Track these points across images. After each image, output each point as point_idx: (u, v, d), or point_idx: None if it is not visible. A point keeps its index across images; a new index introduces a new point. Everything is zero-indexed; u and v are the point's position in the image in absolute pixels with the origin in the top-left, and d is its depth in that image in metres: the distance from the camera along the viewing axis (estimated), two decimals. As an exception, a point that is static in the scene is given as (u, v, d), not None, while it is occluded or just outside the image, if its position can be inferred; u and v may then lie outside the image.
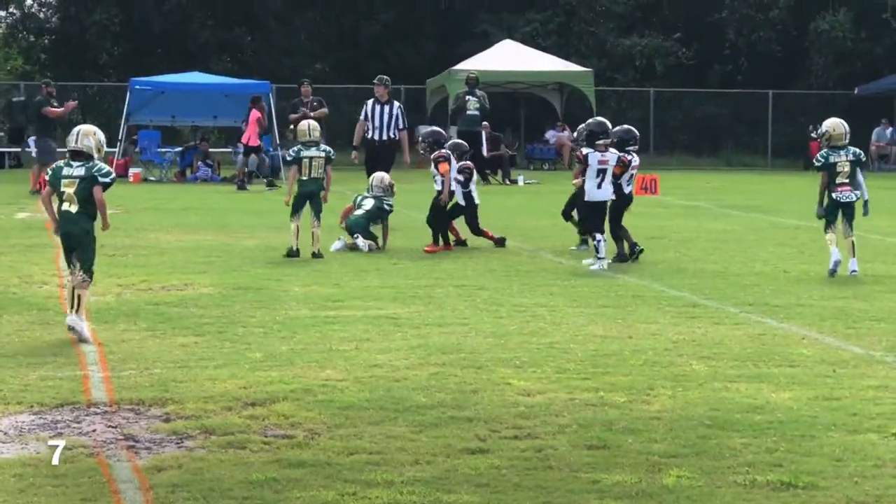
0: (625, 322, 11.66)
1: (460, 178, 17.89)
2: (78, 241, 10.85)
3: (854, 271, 14.80)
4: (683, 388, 8.92)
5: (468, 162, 18.31)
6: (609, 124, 16.41)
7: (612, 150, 16.04)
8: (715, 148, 47.43)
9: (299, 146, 16.88)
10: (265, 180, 31.76)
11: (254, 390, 8.71)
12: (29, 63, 51.92)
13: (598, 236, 15.66)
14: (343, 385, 8.91)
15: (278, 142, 34.11)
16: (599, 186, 15.90)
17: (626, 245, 16.32)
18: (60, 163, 11.03)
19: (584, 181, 15.89)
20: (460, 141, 19.50)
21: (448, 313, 12.05)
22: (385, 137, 20.65)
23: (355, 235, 17.29)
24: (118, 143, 34.22)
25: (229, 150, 38.72)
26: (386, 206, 17.82)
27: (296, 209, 16.57)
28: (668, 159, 44.30)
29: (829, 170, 15.02)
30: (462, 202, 17.86)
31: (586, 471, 6.91)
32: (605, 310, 12.34)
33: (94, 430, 7.74)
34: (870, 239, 18.43)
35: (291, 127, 26.38)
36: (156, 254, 16.58)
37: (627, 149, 16.38)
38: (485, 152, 33.37)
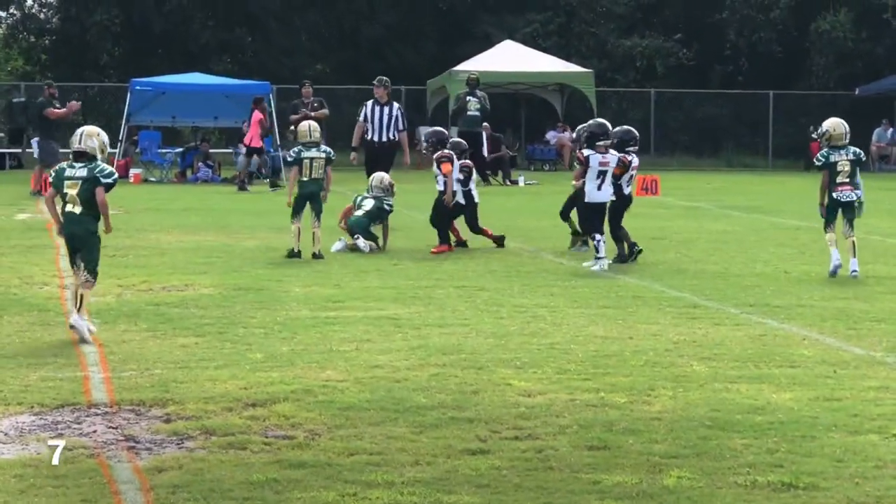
0: (625, 323, 11.66)
1: (460, 176, 17.89)
2: (82, 243, 10.86)
3: (855, 272, 14.80)
4: (684, 388, 8.92)
5: (467, 160, 18.30)
6: (609, 125, 16.42)
7: (612, 151, 16.05)
8: (716, 149, 47.43)
9: (300, 147, 16.87)
10: (267, 181, 31.78)
11: (254, 391, 8.71)
12: (29, 64, 51.94)
13: (598, 237, 15.67)
14: (343, 386, 8.91)
15: (279, 143, 34.11)
16: (599, 188, 15.91)
17: (625, 246, 16.33)
18: (63, 164, 11.05)
19: (584, 182, 15.89)
20: (459, 139, 19.51)
21: (449, 314, 12.05)
22: (384, 139, 20.63)
23: (356, 236, 17.29)
24: (119, 144, 34.23)
25: (230, 150, 38.75)
26: (386, 206, 17.81)
27: (296, 210, 16.57)
28: (668, 160, 44.30)
29: (830, 169, 15.05)
30: (462, 201, 17.86)
31: (587, 471, 6.91)
32: (606, 310, 12.34)
33: (95, 431, 7.74)
34: (870, 240, 18.42)
35: (292, 128, 26.39)
36: (156, 254, 16.58)
37: (627, 149, 16.38)
38: (485, 153, 33.38)
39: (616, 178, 16.14)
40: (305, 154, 16.69)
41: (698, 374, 9.42)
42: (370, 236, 17.39)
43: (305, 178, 16.63)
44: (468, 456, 7.20)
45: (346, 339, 10.68)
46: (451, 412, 8.18)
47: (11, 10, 51.39)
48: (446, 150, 17.82)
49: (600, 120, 16.90)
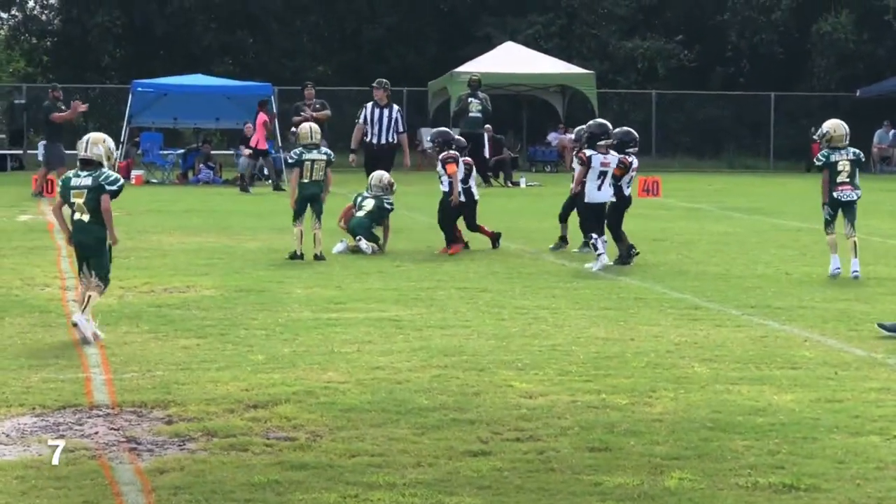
0: (627, 324, 11.66)
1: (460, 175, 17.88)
2: (91, 251, 10.90)
3: (856, 272, 14.82)
4: (685, 390, 8.92)
5: (467, 158, 18.29)
6: (609, 126, 16.45)
7: (612, 151, 16.07)
8: (717, 150, 47.44)
9: (301, 149, 16.87)
10: (269, 183, 31.78)
11: (256, 392, 8.71)
12: (31, 65, 51.99)
13: (595, 236, 15.72)
14: (345, 387, 8.91)
15: (280, 144, 34.13)
16: (600, 188, 15.94)
17: (626, 247, 16.33)
18: (70, 173, 11.08)
19: (582, 187, 15.95)
20: (458, 137, 19.50)
21: (450, 315, 12.05)
22: (384, 141, 20.60)
23: (358, 238, 17.28)
24: (120, 146, 34.22)
25: (231, 152, 38.75)
26: (387, 206, 17.80)
27: (298, 213, 16.57)
28: (670, 161, 44.30)
29: (831, 168, 15.10)
30: (462, 198, 17.84)
31: (588, 473, 6.91)
32: (607, 312, 12.34)
33: (96, 433, 7.74)
34: (871, 241, 18.43)
35: (293, 129, 26.41)
36: (158, 256, 16.58)
37: (627, 151, 16.39)
38: (487, 155, 33.40)
39: (616, 180, 16.15)
40: (307, 156, 16.69)
41: (700, 375, 9.42)
42: (372, 237, 17.39)
43: (306, 180, 16.63)
44: (470, 457, 7.21)
45: (347, 341, 10.68)
46: (452, 414, 8.18)
47: (13, 12, 51.43)
48: (452, 151, 17.80)
49: (600, 120, 16.94)
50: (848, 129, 15.38)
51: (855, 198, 15.13)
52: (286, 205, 17.94)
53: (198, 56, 46.80)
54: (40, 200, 26.39)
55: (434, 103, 43.29)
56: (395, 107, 21.04)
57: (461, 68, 40.52)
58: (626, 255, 16.18)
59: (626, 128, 17.15)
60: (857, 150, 15.37)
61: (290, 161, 17.47)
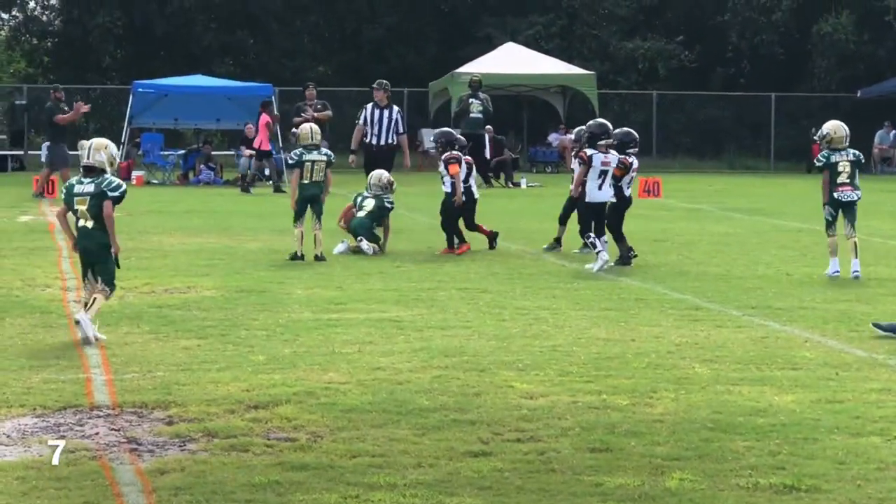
0: (627, 325, 11.66)
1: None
2: (96, 257, 10.94)
3: (856, 272, 14.85)
4: (686, 390, 8.92)
5: (467, 157, 18.27)
6: (609, 125, 16.46)
7: (612, 151, 16.08)
8: (717, 151, 47.44)
9: (301, 150, 16.87)
10: (271, 184, 31.81)
11: (256, 393, 8.72)
12: (32, 66, 52.00)
13: (592, 235, 15.74)
14: (346, 388, 8.91)
15: (281, 145, 34.14)
16: (600, 188, 15.95)
17: (626, 248, 16.34)
18: (73, 180, 11.12)
19: (582, 190, 15.97)
20: (458, 136, 19.50)
21: (451, 316, 12.05)
22: (384, 143, 20.60)
23: (359, 238, 17.28)
24: (121, 146, 34.25)
25: (232, 153, 38.77)
26: (387, 204, 17.79)
27: (299, 214, 16.56)
28: (670, 162, 44.31)
29: (831, 169, 15.13)
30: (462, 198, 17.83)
31: (589, 474, 6.91)
32: (608, 313, 12.34)
33: (97, 433, 7.74)
34: (872, 242, 18.43)
35: (294, 130, 26.41)
36: (159, 256, 16.58)
37: (627, 151, 16.39)
38: (488, 155, 33.40)
39: (616, 180, 16.16)
40: (307, 157, 16.69)
41: (700, 376, 9.42)
42: (373, 238, 17.38)
43: (306, 181, 16.63)
44: (470, 458, 7.21)
45: (348, 342, 10.68)
46: (453, 414, 8.18)
47: (14, 13, 51.45)
48: (455, 152, 17.79)
49: (600, 120, 16.95)
50: (848, 131, 15.42)
51: (855, 198, 15.17)
52: (287, 206, 17.94)
53: (198, 56, 46.82)
54: (41, 201, 26.40)
55: (435, 104, 43.29)
56: (395, 108, 21.04)
57: (462, 69, 40.51)
58: (626, 255, 16.18)
59: (626, 128, 17.16)
60: (857, 152, 15.40)
61: (290, 162, 17.46)
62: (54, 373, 9.37)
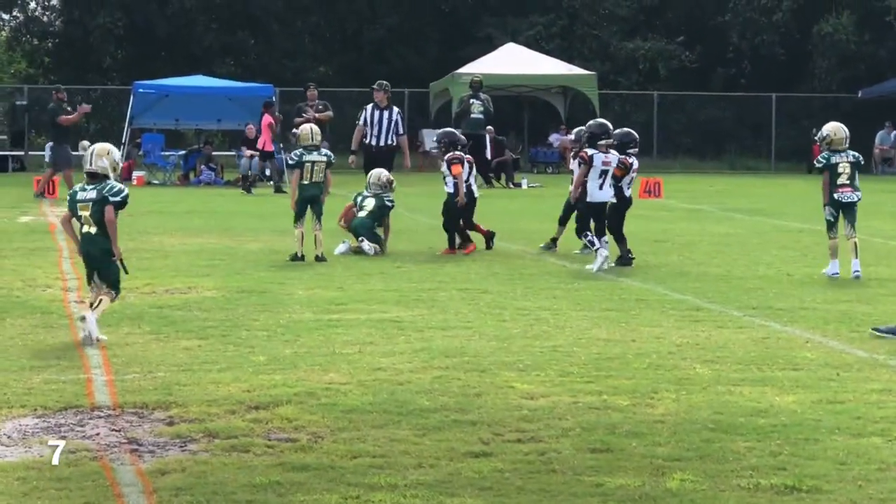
0: (628, 325, 11.66)
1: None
2: (99, 262, 10.98)
3: (857, 272, 14.86)
4: (687, 391, 8.92)
5: (468, 155, 18.26)
6: (609, 125, 16.47)
7: (613, 151, 16.08)
8: (718, 151, 47.44)
9: (301, 150, 16.87)
10: (272, 184, 31.84)
11: (257, 394, 8.71)
12: (32, 66, 52.01)
13: (590, 233, 15.75)
14: (346, 388, 8.91)
15: (281, 145, 34.14)
16: (601, 187, 15.96)
17: (626, 248, 16.34)
18: (77, 186, 11.18)
19: (581, 191, 15.98)
20: (461, 136, 19.49)
21: (451, 317, 12.05)
22: (384, 143, 20.60)
23: (360, 238, 17.27)
24: (122, 147, 34.25)
25: (233, 153, 38.77)
26: (388, 203, 17.78)
27: (299, 214, 16.56)
28: (671, 163, 44.31)
29: (831, 170, 15.15)
30: None
31: (590, 474, 6.91)
32: (609, 313, 12.34)
33: (98, 434, 7.74)
34: (873, 242, 18.43)
35: (294, 130, 26.42)
36: (159, 257, 16.58)
37: (627, 151, 16.40)
38: (489, 156, 33.40)
39: (617, 181, 16.16)
40: (307, 157, 16.69)
41: (701, 376, 9.42)
42: (374, 238, 17.37)
43: (306, 182, 16.63)
44: (471, 458, 7.20)
45: (348, 342, 10.68)
46: (453, 415, 8.18)
47: (14, 13, 51.46)
48: (457, 152, 17.78)
49: (600, 120, 16.96)
50: (848, 132, 15.45)
51: (855, 199, 15.19)
52: (287, 206, 17.94)
53: (199, 57, 46.82)
54: (42, 201, 26.41)
55: (436, 104, 43.29)
56: (396, 109, 21.05)
57: (462, 69, 40.51)
58: (626, 256, 16.18)
59: (626, 129, 17.16)
60: (857, 153, 15.43)
61: (290, 162, 17.47)
62: (55, 373, 9.37)
